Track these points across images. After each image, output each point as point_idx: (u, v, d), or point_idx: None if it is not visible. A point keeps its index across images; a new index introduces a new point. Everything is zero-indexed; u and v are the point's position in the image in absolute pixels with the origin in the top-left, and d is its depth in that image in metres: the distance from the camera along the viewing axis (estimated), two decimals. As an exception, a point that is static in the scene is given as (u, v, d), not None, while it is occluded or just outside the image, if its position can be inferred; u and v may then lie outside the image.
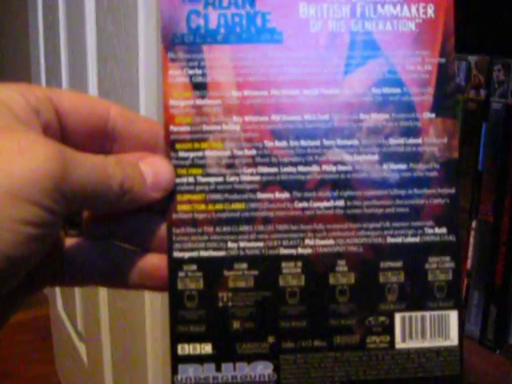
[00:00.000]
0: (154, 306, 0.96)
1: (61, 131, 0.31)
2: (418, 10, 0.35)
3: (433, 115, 0.35)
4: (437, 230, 0.35)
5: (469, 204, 0.64)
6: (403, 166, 0.35)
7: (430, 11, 0.35)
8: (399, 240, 0.35)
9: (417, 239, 0.35)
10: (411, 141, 0.35)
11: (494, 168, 0.61)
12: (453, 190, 0.35)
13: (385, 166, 0.35)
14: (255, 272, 0.34)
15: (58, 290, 1.67)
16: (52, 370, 1.80)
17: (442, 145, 0.35)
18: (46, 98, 0.30)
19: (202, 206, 0.34)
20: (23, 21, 1.87)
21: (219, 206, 0.34)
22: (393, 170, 0.35)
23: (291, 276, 0.35)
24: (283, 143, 0.34)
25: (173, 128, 0.34)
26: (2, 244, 0.25)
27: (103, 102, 0.33)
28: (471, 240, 0.64)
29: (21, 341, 1.86)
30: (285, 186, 0.34)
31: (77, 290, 1.47)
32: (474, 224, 0.63)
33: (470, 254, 0.64)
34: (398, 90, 0.35)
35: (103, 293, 1.22)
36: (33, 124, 0.29)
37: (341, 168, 0.35)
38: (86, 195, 0.29)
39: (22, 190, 0.25)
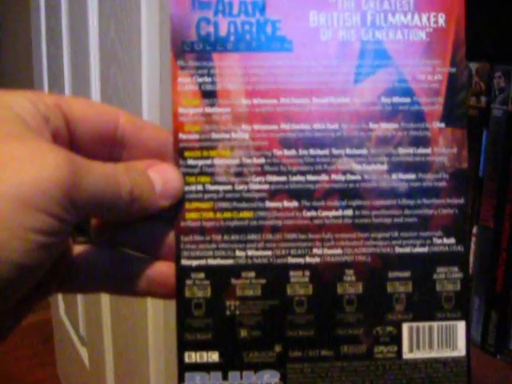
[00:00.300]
0: (156, 312, 0.96)
1: (70, 139, 0.31)
2: (428, 19, 0.35)
3: (442, 125, 0.35)
4: (445, 241, 0.35)
5: (470, 210, 0.64)
6: (412, 176, 0.35)
7: (441, 20, 0.35)
8: (407, 250, 0.35)
9: (425, 249, 0.35)
10: (420, 150, 0.35)
11: (494, 174, 0.61)
12: (462, 201, 0.35)
13: (394, 176, 0.35)
14: (263, 281, 0.34)
15: (60, 294, 1.68)
16: (54, 374, 1.79)
17: (452, 155, 0.35)
18: (55, 105, 0.30)
19: (211, 214, 0.34)
20: (25, 25, 1.88)
21: (227, 215, 0.34)
22: (402, 180, 0.35)
23: (299, 285, 0.35)
24: (292, 152, 0.34)
25: (182, 136, 0.34)
26: (12, 252, 0.25)
27: (112, 110, 0.33)
28: (472, 246, 0.64)
29: (23, 345, 1.86)
30: (293, 194, 0.34)
31: (79, 295, 1.47)
32: (474, 230, 0.64)
33: (470, 259, 0.64)
34: (407, 100, 0.35)
35: (105, 297, 1.23)
36: (42, 132, 0.29)
37: (349, 177, 0.35)
38: (95, 203, 0.29)
39: (33, 199, 0.25)
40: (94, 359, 1.39)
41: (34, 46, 1.68)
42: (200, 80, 0.34)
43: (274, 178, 0.34)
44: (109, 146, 0.33)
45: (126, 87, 0.98)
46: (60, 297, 1.69)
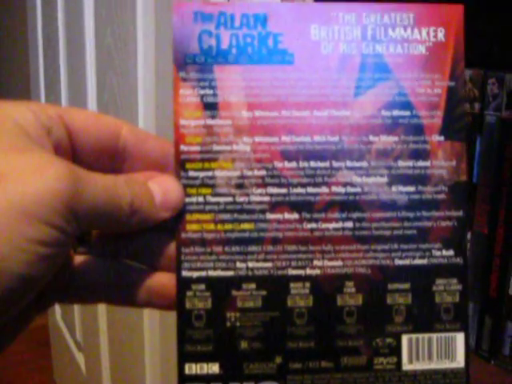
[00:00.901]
0: (152, 316, 0.97)
1: (72, 150, 0.31)
2: (428, 33, 0.35)
3: (442, 138, 0.35)
4: (444, 253, 0.35)
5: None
6: (412, 189, 0.35)
7: (441, 35, 0.35)
8: (407, 262, 0.35)
9: (424, 261, 0.35)
10: (420, 163, 0.35)
11: (488, 180, 0.61)
12: (461, 213, 0.35)
13: (393, 188, 0.35)
14: (263, 292, 0.34)
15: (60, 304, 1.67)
16: (50, 379, 1.79)
17: (451, 168, 0.35)
18: (57, 116, 0.30)
19: (211, 226, 0.34)
20: (22, 33, 1.88)
21: (228, 226, 0.34)
22: (401, 192, 0.35)
23: (299, 297, 0.35)
24: (293, 164, 0.34)
25: (183, 147, 0.34)
26: (14, 263, 0.25)
27: (114, 121, 0.33)
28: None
29: (20, 350, 1.86)
30: (294, 206, 0.34)
31: (75, 300, 1.46)
32: (468, 236, 0.64)
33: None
34: (407, 113, 0.35)
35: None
36: (44, 143, 0.29)
37: (350, 190, 0.35)
38: (96, 215, 0.29)
39: (35, 210, 0.25)
40: (91, 364, 1.39)
41: (30, 52, 1.69)
42: (202, 92, 0.34)
43: (275, 190, 0.34)
44: (111, 158, 0.33)
45: (123, 93, 0.98)
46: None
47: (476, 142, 0.62)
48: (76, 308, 1.48)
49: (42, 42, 1.55)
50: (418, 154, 0.35)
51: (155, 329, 0.96)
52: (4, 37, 2.50)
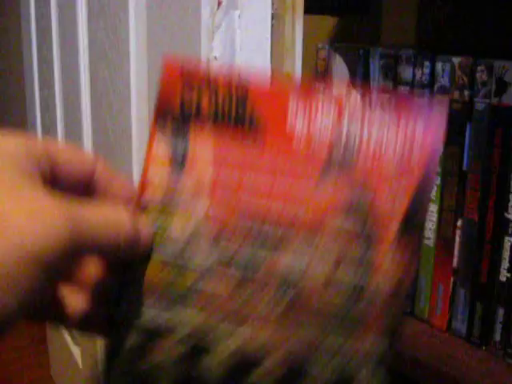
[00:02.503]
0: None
1: (52, 181, 0.33)
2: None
3: (393, 247, 0.34)
4: (378, 341, 0.34)
5: (454, 203, 0.64)
6: (356, 278, 0.34)
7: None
8: (335, 346, 0.34)
9: (354, 347, 0.34)
10: (367, 257, 0.34)
11: (478, 167, 0.62)
12: (402, 308, 0.35)
13: (337, 274, 0.34)
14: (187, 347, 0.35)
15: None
16: (47, 374, 1.79)
17: (395, 279, 0.34)
18: (44, 150, 0.33)
19: (157, 274, 0.36)
20: (16, 27, 1.88)
21: (172, 276, 0.36)
22: (343, 281, 0.34)
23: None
24: (247, 225, 0.35)
25: (146, 195, 0.36)
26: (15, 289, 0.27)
27: (91, 157, 0.36)
28: (457, 238, 0.65)
29: (16, 346, 1.86)
30: (238, 267, 0.35)
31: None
32: (459, 223, 0.64)
33: (456, 252, 0.65)
34: (362, 219, 0.35)
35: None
36: (35, 177, 0.31)
37: (293, 268, 0.35)
38: (96, 248, 0.32)
39: (37, 254, 0.27)
40: (87, 359, 1.39)
41: (24, 47, 1.68)
42: (173, 147, 0.36)
43: (224, 249, 0.35)
44: (84, 189, 0.36)
45: (115, 86, 0.98)
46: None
47: (466, 130, 0.62)
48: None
49: (36, 36, 1.54)
50: (364, 258, 0.34)
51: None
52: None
